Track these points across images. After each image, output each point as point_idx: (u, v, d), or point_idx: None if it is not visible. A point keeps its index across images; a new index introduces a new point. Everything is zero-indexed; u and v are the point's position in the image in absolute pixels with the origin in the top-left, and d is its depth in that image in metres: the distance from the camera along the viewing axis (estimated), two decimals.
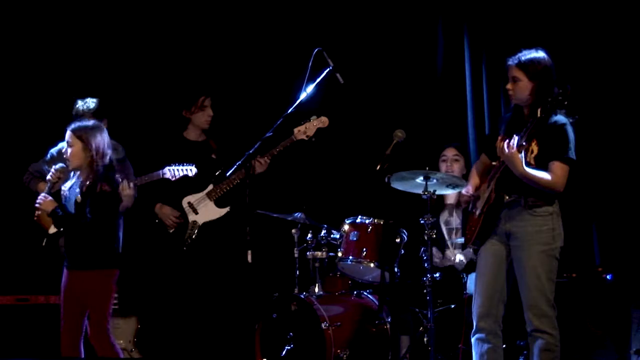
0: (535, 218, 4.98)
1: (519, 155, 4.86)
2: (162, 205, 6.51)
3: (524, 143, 4.86)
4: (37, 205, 5.55)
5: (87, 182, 5.36)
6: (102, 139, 5.41)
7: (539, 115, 4.81)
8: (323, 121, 6.27)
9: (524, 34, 6.74)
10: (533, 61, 4.99)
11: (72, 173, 5.57)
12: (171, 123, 6.78)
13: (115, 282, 5.41)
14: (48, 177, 5.79)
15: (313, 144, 6.31)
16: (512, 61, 5.04)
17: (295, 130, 6.26)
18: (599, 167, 6.54)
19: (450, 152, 6.64)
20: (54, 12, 7.42)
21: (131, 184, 5.94)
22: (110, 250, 5.43)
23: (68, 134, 5.41)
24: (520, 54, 5.04)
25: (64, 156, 5.45)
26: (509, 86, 5.05)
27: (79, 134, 5.38)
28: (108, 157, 5.41)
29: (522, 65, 4.99)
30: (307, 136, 6.27)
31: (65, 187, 5.58)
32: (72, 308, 5.37)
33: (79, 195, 5.37)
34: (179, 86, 7.19)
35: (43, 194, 5.54)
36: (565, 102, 4.77)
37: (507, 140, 4.88)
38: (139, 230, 6.59)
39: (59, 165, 5.77)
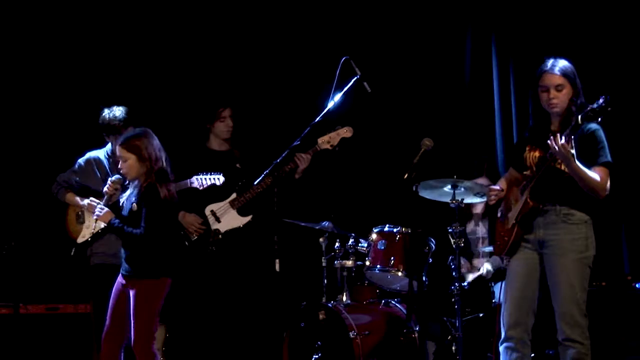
0: (570, 226, 4.92)
1: (572, 150, 4.72)
2: (185, 214, 6.44)
3: (571, 141, 4.72)
4: (95, 217, 5.51)
5: (141, 189, 5.30)
6: (153, 144, 5.33)
7: (579, 122, 4.69)
8: (347, 131, 6.25)
9: (551, 43, 6.72)
10: (572, 69, 4.96)
11: (129, 183, 5.49)
12: (194, 134, 6.79)
13: (167, 290, 5.33)
14: (105, 189, 5.76)
15: (340, 153, 6.31)
16: (553, 69, 4.95)
17: (319, 140, 6.26)
18: (628, 172, 6.48)
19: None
20: (79, 23, 7.45)
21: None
22: (164, 259, 5.32)
23: (118, 149, 5.32)
24: (554, 62, 4.97)
25: (121, 171, 5.37)
26: (552, 94, 4.93)
27: (129, 147, 5.29)
28: (163, 160, 5.35)
29: (565, 73, 4.94)
30: (331, 146, 6.26)
31: (123, 197, 5.52)
32: (120, 315, 5.29)
33: (135, 204, 5.30)
34: (203, 97, 7.21)
35: (100, 206, 5.50)
36: (609, 109, 4.60)
37: (553, 137, 4.73)
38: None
39: (115, 177, 5.73)
